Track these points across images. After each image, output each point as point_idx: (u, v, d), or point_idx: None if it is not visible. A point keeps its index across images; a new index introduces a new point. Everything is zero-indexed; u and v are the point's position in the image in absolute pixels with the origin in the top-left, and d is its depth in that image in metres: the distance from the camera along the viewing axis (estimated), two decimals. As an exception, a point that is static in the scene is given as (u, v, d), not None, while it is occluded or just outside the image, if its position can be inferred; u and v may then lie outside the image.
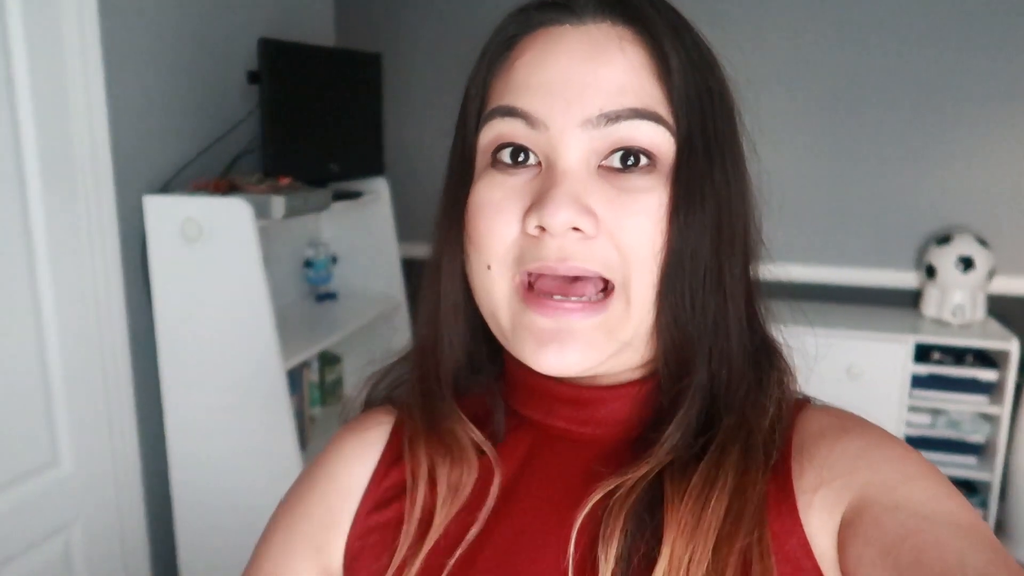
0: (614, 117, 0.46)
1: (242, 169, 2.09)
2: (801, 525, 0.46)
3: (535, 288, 0.48)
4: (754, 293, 0.53)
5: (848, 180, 2.60)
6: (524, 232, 0.47)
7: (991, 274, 2.42)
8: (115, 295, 1.74)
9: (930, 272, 2.46)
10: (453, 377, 0.56)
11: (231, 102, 2.10)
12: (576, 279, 0.47)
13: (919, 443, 2.42)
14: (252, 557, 0.57)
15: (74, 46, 1.60)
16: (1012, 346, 2.27)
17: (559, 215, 0.44)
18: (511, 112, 0.48)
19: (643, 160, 0.47)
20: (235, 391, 1.78)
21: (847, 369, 2.36)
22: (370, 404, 0.62)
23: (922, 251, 2.56)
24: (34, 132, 1.53)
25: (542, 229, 0.46)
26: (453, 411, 0.54)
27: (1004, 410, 2.30)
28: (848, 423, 0.50)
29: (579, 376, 0.49)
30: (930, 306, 2.50)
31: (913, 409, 2.40)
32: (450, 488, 0.52)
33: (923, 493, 0.44)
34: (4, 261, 1.50)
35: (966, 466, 2.40)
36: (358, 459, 0.58)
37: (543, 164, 0.48)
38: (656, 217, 0.46)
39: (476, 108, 0.52)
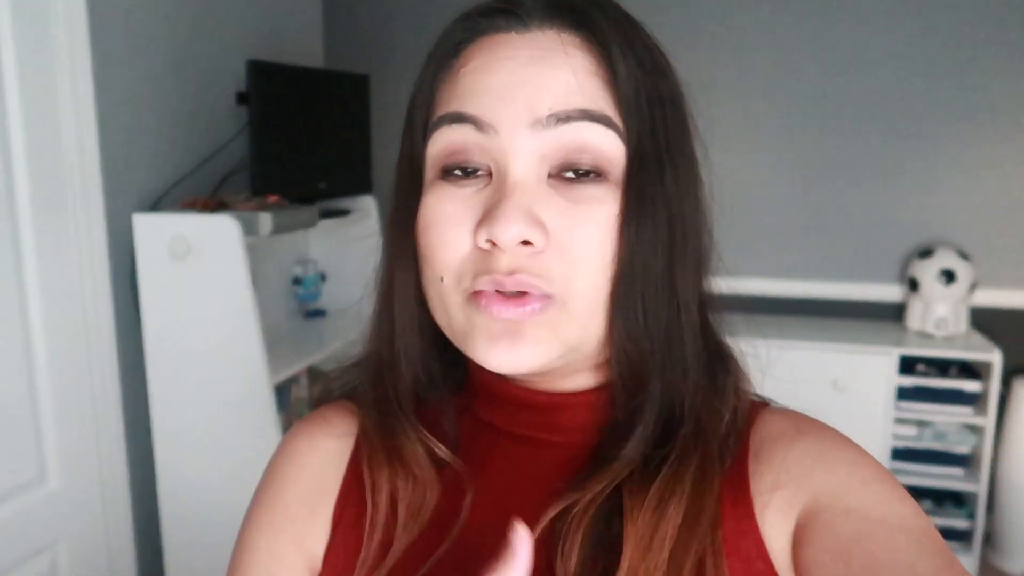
0: (564, 117, 0.45)
1: (231, 188, 2.11)
2: (757, 526, 0.46)
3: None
4: (707, 301, 0.53)
5: (831, 195, 2.64)
6: (476, 246, 0.46)
7: (973, 287, 2.45)
8: (104, 312, 1.75)
9: (913, 285, 2.49)
10: (412, 392, 0.55)
11: (220, 122, 2.13)
12: (523, 294, 0.46)
13: (905, 455, 2.44)
14: (233, 564, 0.55)
15: (64, 66, 1.62)
16: (995, 357, 2.29)
17: (509, 230, 0.43)
18: (459, 118, 0.47)
19: (592, 173, 0.46)
20: (223, 407, 1.79)
21: (833, 382, 2.38)
22: (324, 401, 0.61)
23: (905, 265, 2.59)
24: (24, 151, 1.55)
25: (493, 243, 0.45)
26: (414, 428, 0.53)
27: (989, 421, 2.32)
28: (804, 426, 0.50)
29: (532, 374, 0.48)
30: (914, 319, 2.52)
31: (899, 421, 2.42)
32: (411, 512, 0.51)
33: (875, 496, 0.44)
34: (-7, 278, 1.51)
35: (953, 477, 2.41)
36: (329, 458, 0.57)
37: (493, 174, 0.47)
38: (606, 228, 0.45)
39: (423, 117, 0.51)
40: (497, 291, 0.46)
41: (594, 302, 0.46)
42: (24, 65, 1.54)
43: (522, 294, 0.45)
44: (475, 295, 0.47)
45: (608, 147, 0.46)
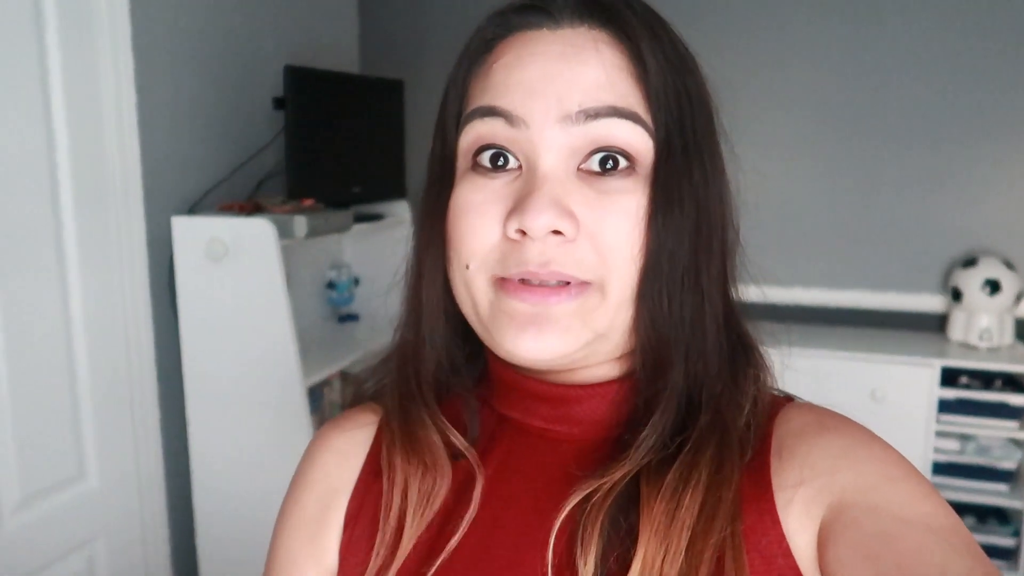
0: (593, 114, 0.46)
1: (267, 192, 2.14)
2: (779, 522, 0.45)
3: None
4: (730, 290, 0.53)
5: (873, 203, 2.58)
6: (505, 236, 0.47)
7: (1019, 297, 2.38)
8: (143, 312, 1.78)
9: (956, 296, 2.43)
10: (435, 379, 0.56)
11: (257, 127, 2.16)
12: (564, 285, 0.47)
13: (947, 469, 2.37)
14: (265, 568, 0.58)
15: (107, 73, 1.66)
16: (1042, 370, 2.22)
17: (540, 219, 0.44)
18: (491, 112, 0.48)
19: (622, 163, 0.47)
20: (257, 408, 1.81)
21: (871, 393, 2.33)
22: (356, 402, 0.62)
23: (948, 274, 2.53)
24: (68, 154, 1.59)
25: (523, 233, 0.46)
26: (432, 416, 0.54)
27: (1035, 436, 2.24)
28: (829, 421, 0.49)
29: (556, 363, 0.48)
30: (956, 330, 2.46)
31: (941, 435, 2.35)
32: (421, 497, 0.52)
33: (903, 495, 0.43)
34: (36, 278, 1.55)
35: (997, 493, 2.34)
36: (345, 457, 0.58)
37: (523, 167, 0.48)
38: (635, 219, 0.46)
39: (455, 110, 0.52)
40: (522, 280, 0.46)
41: (625, 291, 0.47)
42: (69, 72, 1.58)
43: (564, 285, 0.46)
44: (501, 282, 0.47)
45: (636, 142, 0.47)
